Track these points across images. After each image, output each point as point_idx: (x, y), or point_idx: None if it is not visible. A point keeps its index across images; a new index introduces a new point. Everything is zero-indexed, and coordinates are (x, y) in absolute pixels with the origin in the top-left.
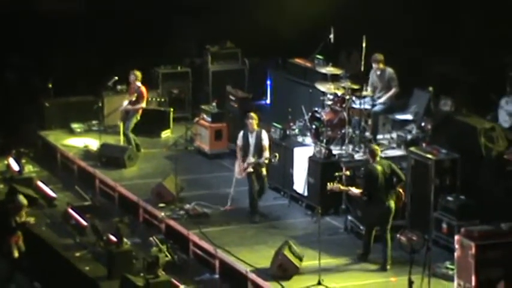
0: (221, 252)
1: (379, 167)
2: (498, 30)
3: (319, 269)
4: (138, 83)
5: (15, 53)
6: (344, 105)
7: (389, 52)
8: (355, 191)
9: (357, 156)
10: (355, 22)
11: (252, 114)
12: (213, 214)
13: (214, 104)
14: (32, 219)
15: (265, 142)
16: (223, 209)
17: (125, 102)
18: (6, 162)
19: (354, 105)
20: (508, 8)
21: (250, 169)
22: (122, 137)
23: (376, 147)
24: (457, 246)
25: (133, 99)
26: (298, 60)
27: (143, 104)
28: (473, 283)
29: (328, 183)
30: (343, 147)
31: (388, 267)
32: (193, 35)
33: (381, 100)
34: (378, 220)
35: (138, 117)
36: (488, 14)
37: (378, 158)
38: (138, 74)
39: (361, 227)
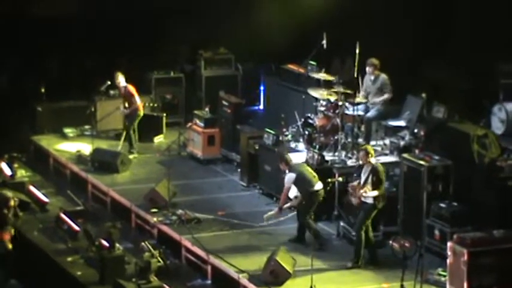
0: (213, 258)
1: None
2: (491, 37)
3: (311, 275)
4: (123, 84)
5: (7, 57)
6: (337, 111)
7: (382, 58)
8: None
9: (350, 163)
10: (348, 28)
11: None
12: (206, 220)
13: (207, 109)
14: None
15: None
16: (219, 214)
17: (121, 107)
18: None
19: (346, 112)
20: (501, 14)
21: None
22: (122, 140)
23: (370, 147)
24: (449, 252)
25: (126, 111)
26: (291, 66)
27: (138, 101)
28: None
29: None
30: (336, 154)
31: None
32: (186, 40)
33: (371, 101)
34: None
35: (141, 114)
36: (482, 21)
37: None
38: (120, 74)
39: (354, 233)
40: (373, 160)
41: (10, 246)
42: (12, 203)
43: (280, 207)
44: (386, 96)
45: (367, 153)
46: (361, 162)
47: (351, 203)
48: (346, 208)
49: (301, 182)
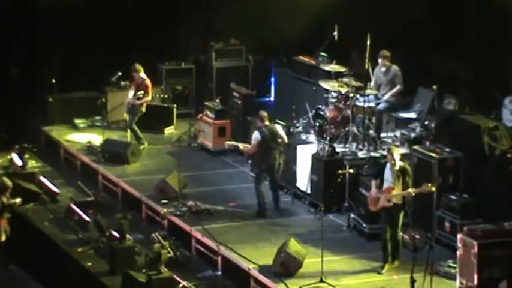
0: (224, 249)
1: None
2: (502, 28)
3: (321, 267)
4: (142, 75)
5: (18, 48)
6: (348, 103)
7: (394, 50)
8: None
9: (360, 154)
10: (360, 20)
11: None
12: (216, 211)
13: (218, 100)
14: (17, 200)
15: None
16: (230, 205)
17: (130, 94)
18: (9, 157)
19: (357, 103)
20: None
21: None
22: (128, 131)
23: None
24: (459, 245)
25: (141, 95)
26: (302, 58)
27: (149, 97)
28: (475, 282)
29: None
30: (347, 145)
31: None
32: (198, 31)
33: (385, 97)
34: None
35: (143, 110)
36: (492, 12)
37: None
38: (139, 66)
39: (364, 225)
40: (399, 161)
41: (5, 235)
42: (9, 192)
43: (242, 150)
44: (398, 88)
45: (394, 155)
46: (389, 164)
47: (370, 209)
48: (357, 200)
49: (261, 146)
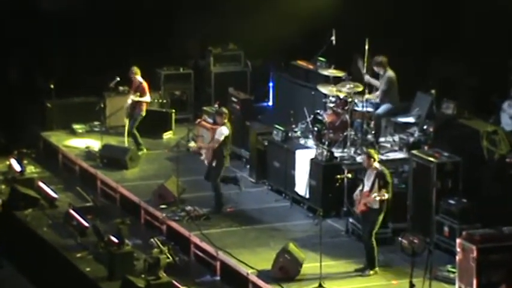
0: (222, 254)
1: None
2: (501, 33)
3: (320, 272)
4: (139, 78)
5: (17, 53)
6: (346, 108)
7: (392, 55)
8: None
9: (359, 159)
10: (358, 24)
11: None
12: (214, 216)
13: (216, 105)
14: None
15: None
16: (228, 211)
17: (129, 99)
18: (8, 162)
19: (356, 108)
20: (510, 9)
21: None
22: (126, 136)
23: (373, 151)
24: (458, 249)
25: (137, 98)
26: (300, 63)
27: (148, 99)
28: (474, 286)
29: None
30: (345, 150)
31: None
32: (196, 37)
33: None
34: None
35: (143, 114)
36: (491, 16)
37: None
38: (137, 69)
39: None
40: (377, 164)
41: None
42: None
43: (206, 147)
44: (379, 91)
45: (369, 157)
46: (365, 166)
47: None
48: (355, 204)
49: (224, 143)
